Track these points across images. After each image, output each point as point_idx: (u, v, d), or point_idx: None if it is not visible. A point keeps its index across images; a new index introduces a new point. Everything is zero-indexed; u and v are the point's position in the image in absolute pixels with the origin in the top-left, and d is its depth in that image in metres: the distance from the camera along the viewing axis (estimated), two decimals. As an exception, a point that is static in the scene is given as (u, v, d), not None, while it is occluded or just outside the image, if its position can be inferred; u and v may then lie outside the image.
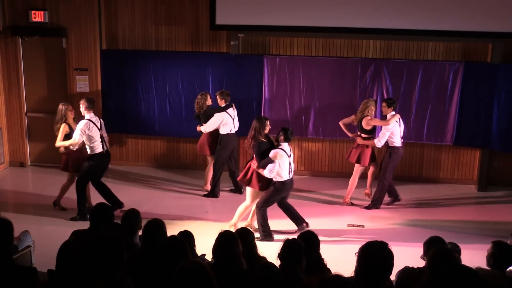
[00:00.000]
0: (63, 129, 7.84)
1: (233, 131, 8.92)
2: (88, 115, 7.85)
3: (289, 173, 7.32)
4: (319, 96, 9.73)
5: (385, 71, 9.50)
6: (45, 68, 10.29)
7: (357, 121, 8.58)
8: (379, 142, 8.34)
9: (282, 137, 7.26)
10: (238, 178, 7.76)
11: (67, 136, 7.87)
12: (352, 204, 8.74)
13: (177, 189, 9.41)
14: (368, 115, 8.44)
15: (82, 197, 7.94)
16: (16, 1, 9.93)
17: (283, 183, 7.28)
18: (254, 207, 7.55)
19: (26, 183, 9.82)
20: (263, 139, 7.33)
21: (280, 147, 7.24)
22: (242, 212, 7.51)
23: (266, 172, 7.14)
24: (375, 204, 8.61)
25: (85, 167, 7.88)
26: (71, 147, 7.88)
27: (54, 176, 9.20)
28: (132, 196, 8.46)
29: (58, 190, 8.27)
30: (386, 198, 8.78)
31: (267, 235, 7.31)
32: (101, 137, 7.92)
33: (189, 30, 10.02)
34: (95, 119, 7.91)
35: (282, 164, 7.17)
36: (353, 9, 9.14)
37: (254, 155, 7.40)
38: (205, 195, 9.03)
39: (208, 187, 9.17)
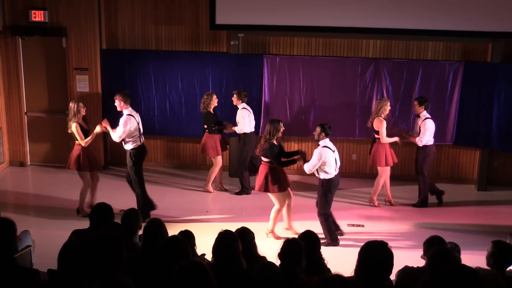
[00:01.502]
0: (76, 128, 7.75)
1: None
2: (126, 110, 7.84)
3: (335, 169, 7.25)
4: (319, 95, 9.73)
5: (385, 70, 9.50)
6: (45, 67, 10.29)
7: (372, 121, 8.56)
8: (420, 142, 8.41)
9: (323, 135, 7.16)
10: (256, 188, 7.55)
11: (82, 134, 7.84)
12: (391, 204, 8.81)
13: (177, 188, 9.41)
14: (382, 116, 8.41)
15: (145, 198, 7.93)
16: (16, 1, 9.92)
17: (330, 180, 7.19)
18: (285, 213, 7.55)
19: (26, 182, 9.82)
20: (275, 142, 7.27)
21: (323, 145, 7.15)
22: (275, 216, 7.45)
23: (306, 167, 7.17)
24: (423, 203, 8.73)
25: (131, 167, 7.87)
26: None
27: (54, 176, 9.22)
28: (132, 196, 8.44)
29: (58, 190, 8.26)
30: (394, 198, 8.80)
31: (334, 239, 7.27)
32: (139, 131, 7.94)
33: (189, 30, 10.02)
34: (134, 113, 7.92)
35: (328, 161, 7.11)
36: (353, 8, 9.14)
37: (262, 160, 7.35)
38: (237, 193, 9.12)
39: (210, 187, 9.19)
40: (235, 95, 8.99)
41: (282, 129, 7.31)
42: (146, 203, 7.93)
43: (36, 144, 10.53)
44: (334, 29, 9.31)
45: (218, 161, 9.09)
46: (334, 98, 9.71)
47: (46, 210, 8.22)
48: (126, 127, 7.72)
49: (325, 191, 7.23)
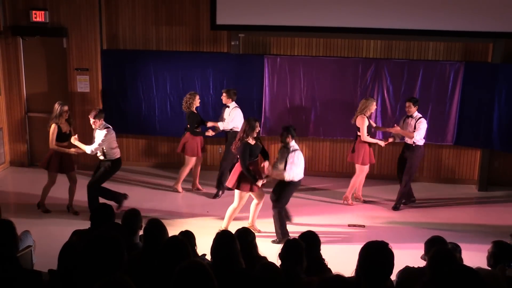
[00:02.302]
0: (53, 130, 7.82)
1: None
2: (101, 125, 7.84)
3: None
4: (319, 96, 9.74)
5: (386, 71, 9.50)
6: (46, 68, 10.30)
7: (355, 119, 8.58)
8: (415, 138, 8.35)
9: (289, 137, 7.15)
10: (229, 185, 7.48)
11: (59, 137, 7.88)
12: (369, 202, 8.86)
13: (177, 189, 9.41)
14: (364, 114, 8.44)
15: (95, 200, 7.89)
16: (17, 1, 9.93)
17: (299, 181, 7.30)
18: (253, 208, 7.53)
19: (27, 183, 9.81)
20: (250, 141, 7.21)
21: (293, 148, 7.16)
22: (231, 215, 7.42)
23: (289, 175, 7.09)
24: (400, 202, 8.68)
25: (102, 171, 7.93)
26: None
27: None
28: (133, 196, 8.46)
29: (59, 190, 8.26)
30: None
31: (285, 234, 7.20)
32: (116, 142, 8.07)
33: (189, 30, 10.03)
34: (108, 125, 7.95)
35: (302, 163, 7.21)
36: (354, 9, 9.14)
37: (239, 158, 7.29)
38: (214, 197, 9.02)
39: (179, 187, 9.16)
40: (224, 94, 8.93)
41: (257, 129, 7.28)
42: (94, 202, 7.82)
43: (37, 145, 10.53)
44: (334, 29, 9.32)
45: (192, 161, 9.03)
46: (335, 98, 9.71)
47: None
48: (106, 141, 7.77)
49: (291, 189, 7.29)
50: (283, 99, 9.81)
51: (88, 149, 7.81)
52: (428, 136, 9.56)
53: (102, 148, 7.85)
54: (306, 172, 10.08)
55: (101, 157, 7.94)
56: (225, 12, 9.45)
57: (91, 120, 7.86)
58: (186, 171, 9.12)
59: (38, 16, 9.85)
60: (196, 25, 9.97)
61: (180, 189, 9.21)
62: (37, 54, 10.24)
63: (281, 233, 7.25)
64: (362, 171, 8.63)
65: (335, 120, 9.74)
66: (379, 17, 9.11)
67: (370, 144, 8.59)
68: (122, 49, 10.20)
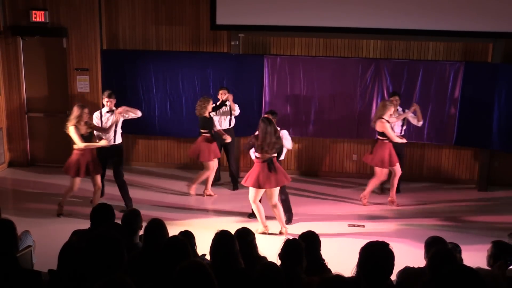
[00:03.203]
0: (73, 131, 7.61)
1: None
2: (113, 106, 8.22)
3: None
4: (319, 96, 9.74)
5: (386, 71, 9.51)
6: (46, 68, 10.30)
7: (374, 122, 8.54)
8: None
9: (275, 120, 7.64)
10: (280, 184, 7.34)
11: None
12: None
13: (177, 189, 9.41)
14: (383, 118, 8.36)
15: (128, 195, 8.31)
16: (17, 1, 9.93)
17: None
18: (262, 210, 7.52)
19: (27, 183, 9.81)
20: None
21: (280, 129, 7.62)
22: (279, 214, 7.48)
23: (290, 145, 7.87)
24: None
25: (122, 160, 8.28)
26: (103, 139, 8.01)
27: (55, 176, 9.21)
28: (133, 196, 8.45)
29: (59, 190, 8.26)
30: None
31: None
32: None
33: (189, 30, 10.03)
34: None
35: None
36: (354, 9, 9.14)
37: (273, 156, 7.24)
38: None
39: (209, 191, 9.11)
40: (225, 91, 9.03)
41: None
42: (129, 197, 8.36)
43: (36, 145, 10.53)
44: (334, 29, 9.32)
45: (210, 166, 8.92)
46: (335, 98, 9.71)
47: (47, 210, 8.21)
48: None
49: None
50: (283, 99, 9.81)
51: (138, 113, 8.26)
52: (428, 136, 9.63)
53: (115, 130, 8.12)
54: (306, 172, 10.21)
55: (113, 142, 8.12)
56: (225, 12, 9.45)
57: (106, 100, 8.17)
58: (205, 175, 8.97)
59: (38, 16, 9.85)
60: (196, 25, 9.98)
61: (210, 193, 9.10)
62: (37, 54, 10.24)
63: (290, 216, 7.84)
64: (381, 173, 8.56)
65: (335, 120, 9.74)
66: (379, 17, 9.11)
67: (394, 145, 8.47)
68: (122, 49, 10.21)
